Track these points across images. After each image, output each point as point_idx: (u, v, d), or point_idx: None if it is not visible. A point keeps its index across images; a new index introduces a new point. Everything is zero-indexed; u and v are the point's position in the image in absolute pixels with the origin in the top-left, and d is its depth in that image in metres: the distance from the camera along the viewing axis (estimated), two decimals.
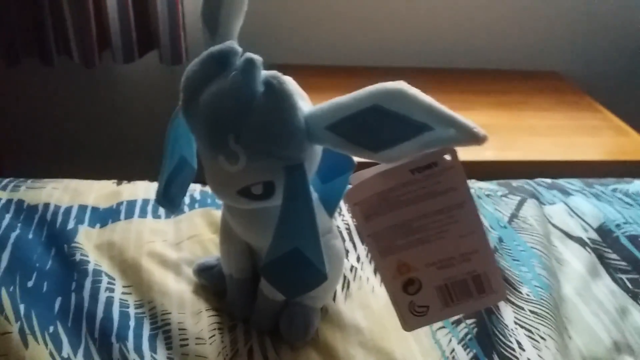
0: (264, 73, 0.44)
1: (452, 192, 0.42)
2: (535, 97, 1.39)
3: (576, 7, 1.48)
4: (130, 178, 0.85)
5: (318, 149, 0.48)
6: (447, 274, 0.44)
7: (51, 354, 0.53)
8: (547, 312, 0.64)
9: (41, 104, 1.44)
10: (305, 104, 0.47)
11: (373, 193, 0.43)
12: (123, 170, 1.39)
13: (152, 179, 0.84)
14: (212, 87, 0.45)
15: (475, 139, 0.39)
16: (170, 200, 0.58)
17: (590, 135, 1.24)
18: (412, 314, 0.45)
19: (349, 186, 0.46)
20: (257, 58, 0.44)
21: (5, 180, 0.80)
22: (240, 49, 0.46)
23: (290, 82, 0.45)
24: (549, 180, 0.96)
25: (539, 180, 0.96)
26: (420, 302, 0.45)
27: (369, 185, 0.43)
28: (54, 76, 1.36)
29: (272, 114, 0.43)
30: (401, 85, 0.40)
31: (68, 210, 0.73)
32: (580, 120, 1.30)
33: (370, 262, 0.71)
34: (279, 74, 0.44)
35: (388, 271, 0.44)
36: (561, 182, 0.96)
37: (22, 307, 0.57)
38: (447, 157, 0.41)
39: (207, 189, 0.83)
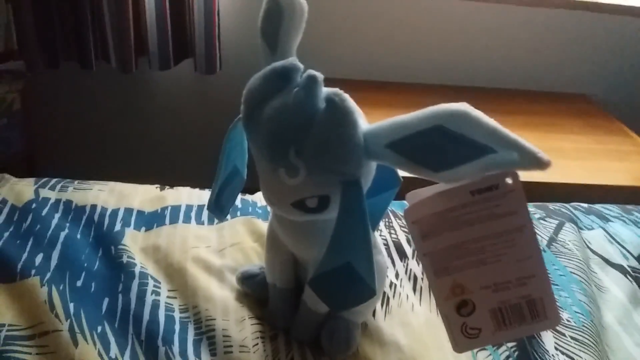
0: (325, 90, 0.45)
1: (512, 216, 0.42)
2: (563, 120, 1.39)
3: (606, 31, 1.48)
4: (162, 181, 0.86)
5: (373, 165, 0.49)
6: (501, 297, 0.44)
7: (100, 354, 0.54)
8: (589, 340, 0.63)
9: (78, 106, 1.47)
10: (363, 120, 0.48)
11: (432, 212, 0.43)
12: (156, 174, 1.42)
13: (185, 183, 0.86)
14: (274, 102, 0.46)
15: (539, 163, 0.40)
16: (220, 208, 0.60)
17: (619, 159, 1.22)
18: (464, 336, 0.45)
19: (406, 204, 0.46)
20: (319, 75, 0.45)
21: (53, 181, 0.82)
22: (302, 66, 0.47)
23: (350, 100, 0.46)
24: (585, 205, 0.95)
25: (575, 204, 0.95)
26: (472, 324, 0.45)
27: (428, 204, 0.43)
28: (91, 80, 1.40)
29: (333, 130, 0.44)
30: (465, 107, 0.41)
31: (115, 213, 0.75)
32: (609, 145, 1.28)
33: (409, 280, 0.71)
34: (340, 91, 0.45)
35: (442, 291, 0.45)
36: (598, 207, 0.95)
37: (71, 306, 0.59)
38: (509, 180, 0.41)
39: (249, 197, 0.84)
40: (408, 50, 1.46)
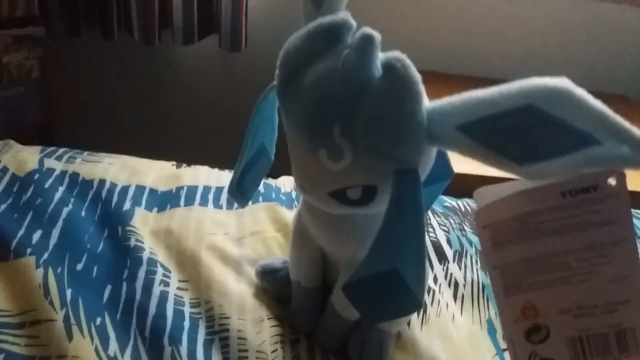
0: (383, 54, 0.37)
1: (611, 226, 0.33)
2: None
3: None
4: (180, 160, 0.79)
5: (434, 152, 0.40)
6: (584, 324, 0.36)
7: (96, 351, 0.47)
8: None
9: (98, 78, 1.42)
10: (425, 96, 0.39)
11: (509, 216, 0.35)
12: (175, 152, 1.35)
13: (202, 163, 0.79)
14: (318, 66, 0.37)
15: None
16: (243, 192, 0.52)
17: None
18: None
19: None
20: (376, 35, 0.36)
21: (61, 150, 0.75)
22: (354, 23, 0.39)
23: (414, 68, 0.37)
24: None
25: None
26: (544, 354, 0.37)
27: (505, 206, 0.35)
28: (113, 51, 1.34)
29: (391, 104, 0.36)
30: (566, 83, 0.32)
31: (125, 190, 0.68)
32: None
33: (449, 286, 0.63)
34: (403, 56, 0.36)
35: (511, 313, 0.36)
36: None
37: (69, 293, 0.52)
38: (612, 181, 0.33)
39: (272, 181, 0.76)
40: (451, 40, 1.38)
